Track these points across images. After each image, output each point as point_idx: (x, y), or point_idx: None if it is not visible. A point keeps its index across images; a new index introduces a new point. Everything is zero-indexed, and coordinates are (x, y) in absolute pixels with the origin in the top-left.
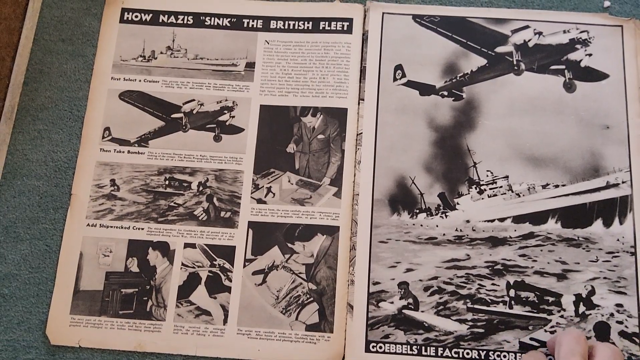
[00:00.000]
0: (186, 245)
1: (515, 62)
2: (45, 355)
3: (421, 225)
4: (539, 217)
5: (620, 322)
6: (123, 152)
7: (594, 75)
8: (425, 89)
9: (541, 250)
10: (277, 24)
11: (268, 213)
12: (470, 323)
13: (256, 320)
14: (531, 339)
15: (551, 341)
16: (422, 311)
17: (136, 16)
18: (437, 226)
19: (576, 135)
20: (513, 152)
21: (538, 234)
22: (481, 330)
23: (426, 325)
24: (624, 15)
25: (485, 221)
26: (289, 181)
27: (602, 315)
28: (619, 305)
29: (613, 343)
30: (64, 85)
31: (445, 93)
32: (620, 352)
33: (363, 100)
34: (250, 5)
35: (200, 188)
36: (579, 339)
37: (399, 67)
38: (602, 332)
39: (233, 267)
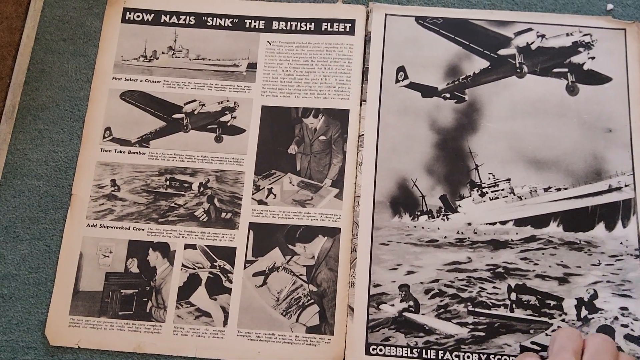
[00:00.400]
0: (186, 246)
1: (517, 65)
2: (44, 356)
3: (422, 228)
4: (540, 221)
5: (626, 326)
6: (124, 152)
7: (597, 79)
8: (427, 91)
9: (543, 254)
10: (279, 25)
11: (269, 214)
12: (471, 326)
13: (256, 322)
14: (532, 342)
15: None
16: (423, 314)
17: (138, 16)
18: (438, 229)
19: (579, 139)
20: (515, 154)
21: (540, 238)
22: (482, 334)
23: (427, 328)
24: (627, 18)
25: (486, 224)
26: (290, 182)
27: (606, 319)
28: (624, 308)
29: (618, 347)
30: (65, 84)
31: (448, 95)
32: (611, 340)
33: (365, 101)
34: (253, 6)
35: (201, 189)
36: (570, 335)
37: (401, 69)
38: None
39: (233, 268)
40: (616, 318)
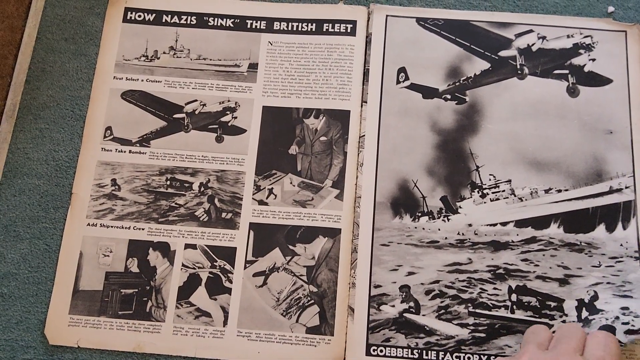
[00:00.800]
0: (187, 246)
1: (518, 66)
2: (44, 355)
3: (423, 229)
4: (541, 222)
5: (627, 323)
6: (124, 151)
7: (598, 80)
8: (428, 92)
9: (543, 255)
10: (280, 25)
11: (269, 214)
12: (472, 327)
13: (256, 322)
14: None
15: None
16: (424, 315)
17: (139, 16)
18: (439, 230)
19: (579, 140)
20: (516, 156)
21: (540, 239)
22: (482, 335)
23: (427, 329)
24: (628, 20)
25: (487, 225)
26: (291, 183)
27: (607, 319)
28: (625, 308)
29: (620, 342)
30: (66, 84)
31: (449, 96)
32: (578, 326)
33: (366, 102)
34: (254, 6)
35: (202, 189)
36: (535, 330)
37: (402, 70)
38: None
39: (234, 268)
40: (617, 317)
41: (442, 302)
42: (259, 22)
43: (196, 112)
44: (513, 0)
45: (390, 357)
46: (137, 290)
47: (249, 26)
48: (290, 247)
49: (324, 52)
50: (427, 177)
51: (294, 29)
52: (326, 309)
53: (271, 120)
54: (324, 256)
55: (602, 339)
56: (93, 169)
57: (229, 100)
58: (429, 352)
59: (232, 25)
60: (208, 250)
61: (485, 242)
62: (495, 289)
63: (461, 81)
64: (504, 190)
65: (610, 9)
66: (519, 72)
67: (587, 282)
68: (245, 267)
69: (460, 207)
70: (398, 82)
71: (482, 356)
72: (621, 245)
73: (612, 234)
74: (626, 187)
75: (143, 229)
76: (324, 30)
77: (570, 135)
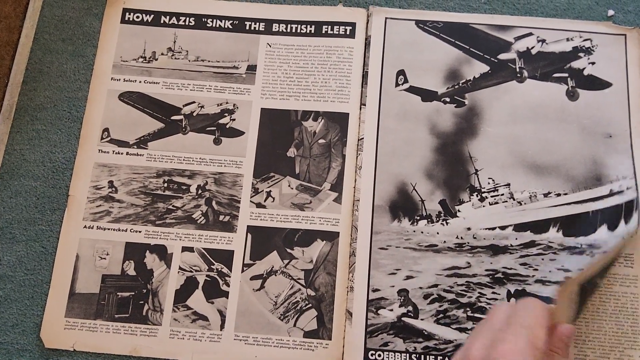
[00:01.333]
0: (184, 249)
1: (518, 70)
2: (40, 359)
3: (422, 232)
4: (540, 226)
5: None
6: (122, 153)
7: (597, 84)
8: (427, 95)
9: (542, 259)
10: (279, 27)
11: (267, 217)
12: (470, 331)
13: (254, 326)
14: None
15: None
16: (422, 319)
17: (137, 17)
18: (437, 233)
19: (579, 144)
20: (515, 159)
21: (539, 243)
22: None
23: (426, 333)
24: (628, 24)
25: (486, 229)
26: (289, 186)
27: None
28: None
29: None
30: (64, 85)
31: (448, 99)
32: (506, 302)
33: (365, 105)
34: (253, 8)
35: (199, 191)
36: (482, 323)
37: (401, 73)
38: None
39: (231, 271)
40: None
41: (440, 306)
42: (257, 23)
43: (194, 114)
44: (512, 3)
45: None
46: (133, 293)
47: (247, 28)
48: (288, 250)
49: (323, 54)
50: (426, 181)
51: (293, 30)
52: (324, 313)
53: (269, 122)
54: (322, 260)
55: (520, 307)
56: (90, 171)
57: (227, 102)
58: (428, 356)
59: (230, 26)
60: (205, 253)
61: (484, 246)
62: (494, 293)
63: (460, 84)
64: (503, 194)
65: (610, 12)
66: (519, 75)
67: None
68: (242, 271)
69: (459, 211)
70: (397, 84)
71: None
72: (623, 238)
73: (614, 232)
74: (627, 189)
75: (140, 232)
76: (323, 32)
77: (569, 138)
